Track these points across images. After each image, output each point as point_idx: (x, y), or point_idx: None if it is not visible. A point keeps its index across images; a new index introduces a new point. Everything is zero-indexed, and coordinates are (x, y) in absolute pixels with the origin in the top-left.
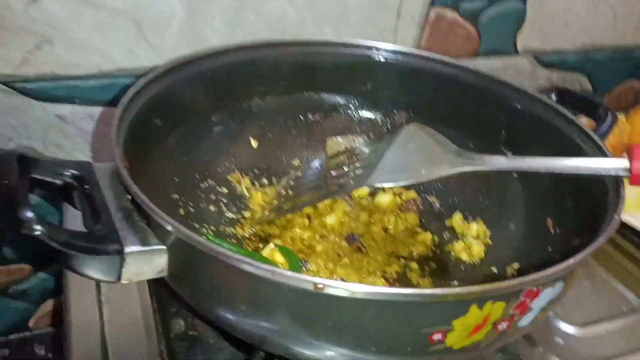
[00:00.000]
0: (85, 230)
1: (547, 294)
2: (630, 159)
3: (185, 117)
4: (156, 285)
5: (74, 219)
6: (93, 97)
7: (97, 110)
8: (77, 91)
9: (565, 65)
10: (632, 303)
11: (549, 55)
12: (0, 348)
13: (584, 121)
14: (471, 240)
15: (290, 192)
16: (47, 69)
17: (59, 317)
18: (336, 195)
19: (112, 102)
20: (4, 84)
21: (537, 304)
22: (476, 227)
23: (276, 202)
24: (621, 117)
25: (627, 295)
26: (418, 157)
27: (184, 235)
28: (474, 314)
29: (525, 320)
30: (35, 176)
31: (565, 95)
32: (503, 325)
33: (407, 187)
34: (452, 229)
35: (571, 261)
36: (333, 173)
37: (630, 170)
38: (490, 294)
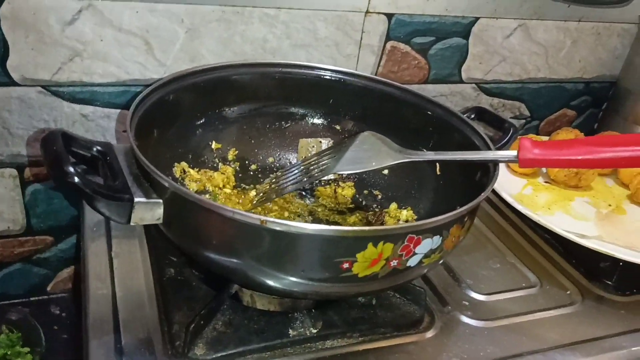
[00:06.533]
0: None
1: (427, 243)
2: (518, 150)
3: (181, 117)
4: (152, 243)
5: None
6: (111, 101)
7: (113, 111)
8: (98, 95)
9: (504, 94)
10: (531, 280)
11: (490, 84)
12: (22, 307)
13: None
14: (402, 222)
15: (274, 186)
16: (76, 77)
17: (76, 281)
18: (311, 181)
19: (126, 106)
20: (42, 87)
21: (420, 249)
22: (406, 213)
23: (264, 193)
24: (546, 138)
25: (528, 275)
26: (370, 153)
27: (175, 188)
28: (370, 250)
29: (412, 262)
30: (73, 149)
31: (481, 114)
32: (394, 263)
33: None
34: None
35: (438, 218)
36: (309, 168)
37: (517, 157)
38: (380, 234)
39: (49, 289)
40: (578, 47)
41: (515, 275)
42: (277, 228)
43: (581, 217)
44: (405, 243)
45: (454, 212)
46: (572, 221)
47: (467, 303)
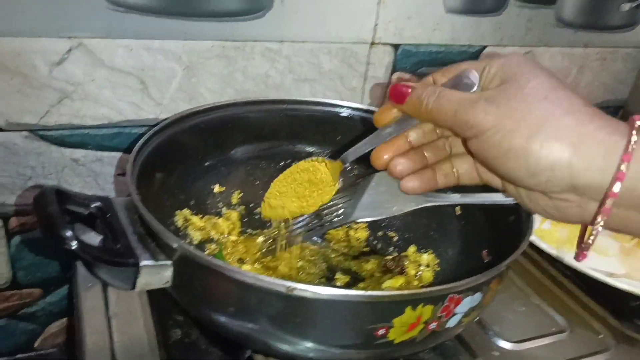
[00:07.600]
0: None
1: (467, 302)
2: None
3: (183, 161)
4: (155, 300)
5: None
6: (103, 144)
7: (106, 154)
8: (90, 138)
9: None
10: (560, 324)
11: None
12: None
13: None
14: (423, 267)
15: (283, 231)
16: (66, 119)
17: (68, 336)
18: (325, 230)
19: (120, 149)
20: (29, 131)
21: (460, 309)
22: (426, 257)
23: (272, 240)
24: None
25: (556, 318)
26: (389, 196)
27: (186, 250)
28: (408, 314)
29: (451, 322)
30: (68, 207)
31: None
32: (433, 325)
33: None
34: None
35: (480, 276)
36: (322, 213)
37: None
38: (420, 297)
39: (36, 345)
40: (584, 73)
41: (542, 319)
42: (306, 295)
43: (604, 252)
44: (446, 304)
45: (496, 268)
46: (595, 257)
47: (497, 353)
